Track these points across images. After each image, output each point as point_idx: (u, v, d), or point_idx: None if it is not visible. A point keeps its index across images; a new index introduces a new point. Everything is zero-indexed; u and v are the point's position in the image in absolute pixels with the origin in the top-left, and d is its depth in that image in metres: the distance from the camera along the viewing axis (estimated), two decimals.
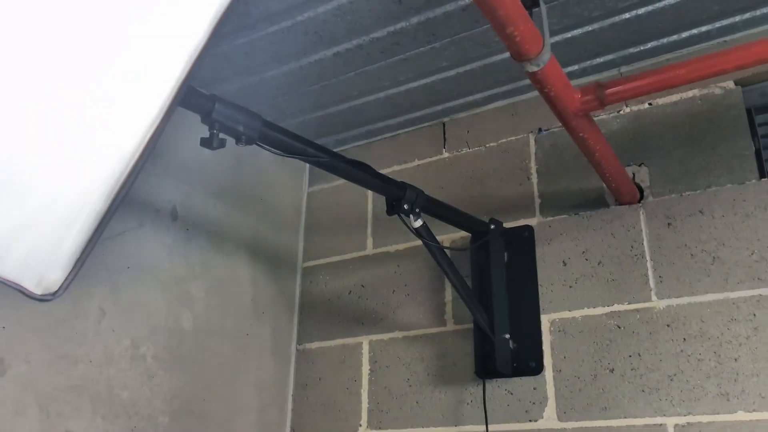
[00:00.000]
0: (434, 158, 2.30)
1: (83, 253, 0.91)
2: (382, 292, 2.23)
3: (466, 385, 1.98)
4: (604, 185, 1.83)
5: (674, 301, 1.75)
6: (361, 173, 1.63)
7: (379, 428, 2.07)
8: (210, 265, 2.07)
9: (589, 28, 1.85)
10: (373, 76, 2.06)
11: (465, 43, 1.91)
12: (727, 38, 1.87)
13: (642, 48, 1.93)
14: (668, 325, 1.74)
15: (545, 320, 1.91)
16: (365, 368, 2.17)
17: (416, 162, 2.33)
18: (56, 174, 0.89)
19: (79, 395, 1.64)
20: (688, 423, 1.65)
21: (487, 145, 2.20)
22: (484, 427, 1.86)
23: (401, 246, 2.23)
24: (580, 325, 1.85)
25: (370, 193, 2.33)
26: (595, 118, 1.96)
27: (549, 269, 1.95)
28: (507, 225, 2.05)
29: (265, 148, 1.44)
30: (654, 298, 1.78)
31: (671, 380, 1.69)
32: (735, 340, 1.65)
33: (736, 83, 1.85)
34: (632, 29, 1.85)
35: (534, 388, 1.87)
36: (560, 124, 1.51)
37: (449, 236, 2.16)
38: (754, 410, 1.59)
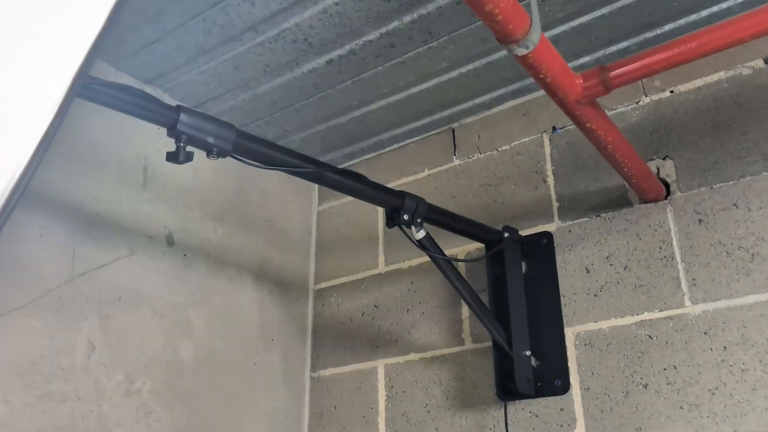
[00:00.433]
0: (445, 166, 2.16)
1: None
2: (396, 311, 2.09)
3: (487, 409, 1.82)
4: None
5: (711, 306, 1.57)
6: (354, 183, 1.51)
7: None
8: (211, 291, 1.97)
9: (597, 13, 1.70)
10: (371, 83, 1.95)
11: (464, 40, 1.78)
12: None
13: (659, 31, 1.77)
14: (705, 333, 1.56)
15: (569, 333, 1.74)
16: (381, 394, 2.03)
17: (426, 172, 2.20)
18: None
19: None
20: None
21: (500, 149, 2.05)
22: None
23: (414, 262, 2.10)
24: (608, 338, 1.68)
25: (381, 207, 2.21)
26: (612, 111, 1.82)
27: (571, 278, 1.79)
28: (524, 232, 1.90)
29: (241, 161, 1.33)
30: (688, 303, 1.60)
31: (713, 394, 1.51)
32: None
33: (765, 61, 1.68)
34: (646, 11, 1.70)
35: (561, 409, 1.70)
36: None
37: (464, 248, 2.02)
38: None
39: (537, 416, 1.73)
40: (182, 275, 1.90)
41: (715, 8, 1.69)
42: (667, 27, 1.75)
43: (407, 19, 1.70)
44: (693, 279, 1.61)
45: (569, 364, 1.71)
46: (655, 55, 1.23)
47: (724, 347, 1.52)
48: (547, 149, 1.95)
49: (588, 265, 1.77)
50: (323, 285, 2.30)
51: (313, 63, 1.86)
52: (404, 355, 2.02)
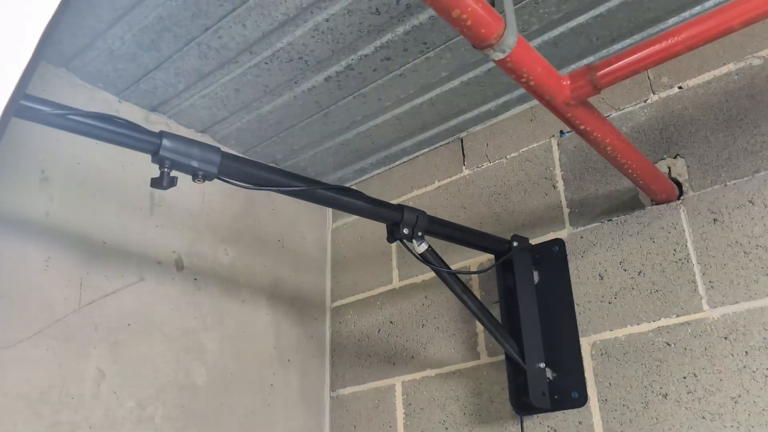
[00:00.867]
0: (454, 177, 2.12)
1: None
2: (411, 327, 2.06)
3: (505, 424, 1.76)
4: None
5: (730, 309, 1.49)
6: (349, 200, 1.49)
7: None
8: (223, 314, 1.97)
9: (594, 12, 1.65)
10: (373, 97, 1.94)
11: (461, 48, 1.75)
12: None
13: (662, 26, 1.70)
14: (725, 338, 1.48)
15: (585, 344, 1.68)
16: (399, 412, 1.99)
17: (436, 183, 2.16)
18: None
19: None
20: None
21: (508, 156, 2.01)
22: None
23: (427, 276, 2.06)
24: (625, 346, 1.61)
25: None
26: (620, 111, 1.77)
27: (584, 285, 1.73)
28: (535, 240, 1.85)
29: (228, 182, 1.32)
30: (706, 307, 1.52)
31: (736, 402, 1.43)
32: None
33: None
34: (646, 6, 1.64)
35: (579, 422, 1.63)
36: None
37: (476, 260, 1.97)
38: None
39: (555, 430, 1.66)
40: (193, 299, 1.90)
41: None
42: (671, 21, 1.69)
43: (400, 30, 1.68)
44: (710, 282, 1.53)
45: (586, 376, 1.65)
46: (644, 50, 1.18)
47: (746, 352, 1.44)
48: (556, 154, 1.90)
49: (601, 272, 1.71)
50: (340, 303, 2.28)
51: (312, 81, 1.86)
52: (421, 371, 1.98)
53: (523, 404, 1.69)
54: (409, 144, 2.20)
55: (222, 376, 1.90)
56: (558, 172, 1.88)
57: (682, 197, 1.63)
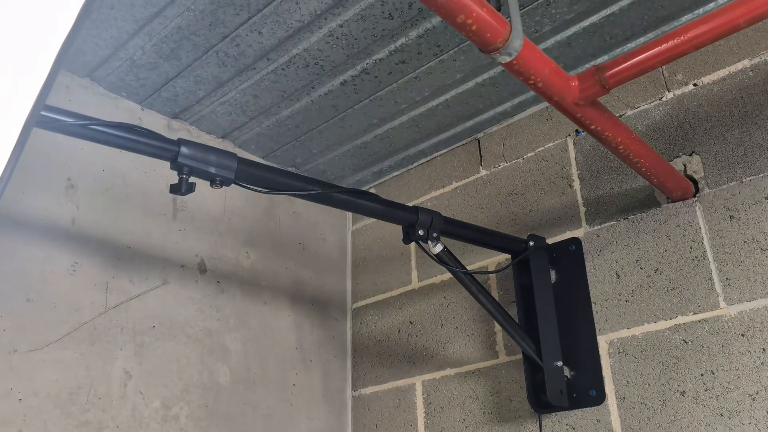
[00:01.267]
0: (472, 178, 2.14)
1: None
2: (431, 327, 2.08)
3: (523, 422, 1.77)
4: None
5: (747, 306, 1.48)
6: (364, 202, 1.52)
7: None
8: (246, 315, 2.01)
9: (607, 11, 1.66)
10: (389, 100, 1.96)
11: (474, 50, 1.77)
12: None
13: (676, 23, 1.70)
14: (743, 335, 1.47)
15: (602, 342, 1.68)
16: (420, 411, 2.01)
17: (454, 184, 2.18)
18: None
19: None
20: None
21: (525, 156, 2.02)
22: None
23: (446, 276, 2.08)
24: (642, 344, 1.62)
25: None
26: (635, 109, 1.77)
27: (602, 284, 1.73)
28: (553, 239, 1.85)
29: (245, 187, 1.36)
30: (722, 304, 1.52)
31: (753, 400, 1.42)
32: None
33: None
34: (659, 3, 1.64)
35: (597, 420, 1.64)
36: None
37: (493, 259, 1.99)
38: None
39: (574, 428, 1.67)
40: (216, 301, 1.95)
41: None
42: (684, 18, 1.68)
43: (413, 34, 1.70)
44: (727, 279, 1.53)
45: (604, 374, 1.66)
46: (651, 49, 1.19)
47: (764, 349, 1.44)
48: (572, 153, 1.91)
49: (618, 270, 1.71)
50: (360, 303, 2.31)
51: (328, 85, 1.89)
52: (440, 370, 2.00)
53: (541, 402, 1.70)
54: (426, 146, 2.22)
55: (245, 376, 1.94)
56: (574, 171, 1.89)
57: (697, 195, 1.63)
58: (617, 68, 1.21)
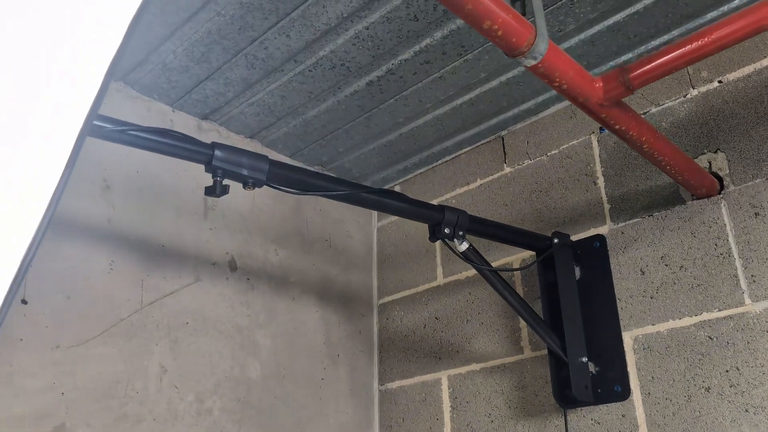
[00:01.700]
0: (496, 175, 2.16)
1: None
2: (456, 322, 2.11)
3: (549, 417, 1.80)
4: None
5: None
6: (392, 202, 1.55)
7: None
8: (275, 311, 2.06)
9: (631, 9, 1.67)
10: (414, 99, 1.99)
11: (498, 49, 1.78)
12: None
13: (701, 20, 1.71)
14: None
15: (627, 338, 1.70)
16: (446, 405, 2.04)
17: (478, 182, 2.21)
18: None
19: None
20: None
21: (549, 154, 2.04)
22: None
23: (471, 272, 2.11)
24: (667, 340, 1.63)
25: None
26: (660, 106, 1.78)
27: (626, 280, 1.75)
28: (577, 236, 1.87)
29: (277, 189, 1.40)
30: (748, 301, 1.53)
31: None
32: None
33: None
34: (683, 1, 1.65)
35: (622, 416, 1.66)
36: None
37: (518, 256, 2.01)
38: None
39: (599, 423, 1.69)
40: (246, 298, 2.00)
41: None
42: (709, 15, 1.69)
43: (438, 35, 1.73)
44: (752, 276, 1.54)
45: (629, 369, 1.68)
46: (675, 51, 1.20)
47: None
48: (596, 150, 1.92)
49: (643, 267, 1.73)
50: (386, 299, 2.35)
51: (354, 86, 1.92)
52: (466, 365, 2.03)
53: (567, 398, 1.72)
54: (450, 143, 2.25)
55: (275, 371, 1.99)
56: (598, 168, 1.90)
57: (723, 192, 1.64)
58: (641, 69, 1.23)
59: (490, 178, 2.17)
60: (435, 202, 2.26)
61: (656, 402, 1.61)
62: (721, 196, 1.64)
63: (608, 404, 1.69)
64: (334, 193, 1.46)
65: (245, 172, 1.34)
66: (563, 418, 1.75)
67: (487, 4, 1.04)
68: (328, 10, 1.64)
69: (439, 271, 2.21)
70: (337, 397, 2.13)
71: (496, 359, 1.97)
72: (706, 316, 1.59)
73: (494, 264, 2.03)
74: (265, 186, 1.37)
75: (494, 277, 1.68)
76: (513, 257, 2.03)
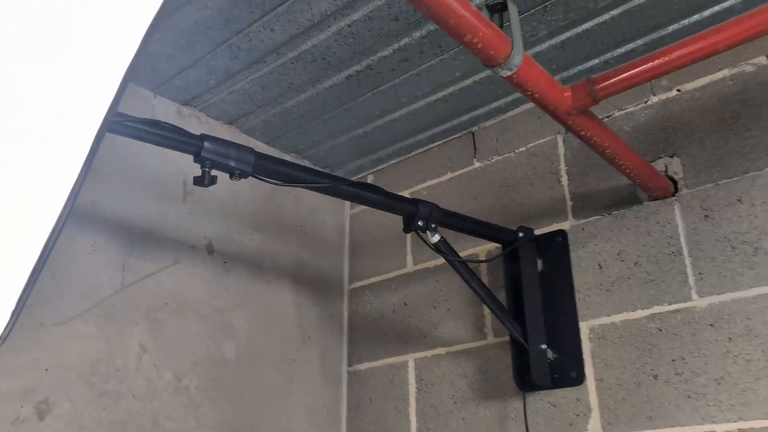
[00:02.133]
0: (466, 169, 2.26)
1: (20, 299, 0.95)
2: (424, 308, 2.21)
3: (509, 399, 1.92)
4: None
5: (716, 299, 1.63)
6: (369, 194, 1.64)
7: None
8: (250, 294, 2.13)
9: (600, 19, 1.77)
10: (390, 94, 2.07)
11: None
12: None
13: (663, 32, 1.81)
14: (712, 325, 1.62)
15: (584, 327, 1.82)
16: (412, 387, 2.15)
17: (449, 175, 2.30)
18: None
19: (124, 429, 1.72)
20: (739, 429, 1.52)
21: (517, 151, 2.14)
22: None
23: (439, 261, 2.21)
24: (621, 331, 1.76)
25: None
26: (622, 111, 1.89)
27: (585, 274, 1.87)
28: (540, 230, 1.99)
29: (261, 180, 1.47)
30: (695, 296, 1.66)
31: (718, 384, 1.57)
32: None
33: None
34: (648, 13, 1.75)
35: (577, 399, 1.79)
36: None
37: (484, 247, 2.12)
38: None
39: (555, 406, 1.82)
40: (223, 281, 2.07)
41: (717, 8, 1.73)
42: (671, 28, 1.80)
43: (417, 35, 1.81)
44: (700, 273, 1.67)
45: (584, 357, 1.80)
46: (638, 67, 1.31)
47: (729, 338, 1.58)
48: (561, 150, 2.03)
49: (600, 261, 1.85)
50: (357, 285, 2.44)
51: (334, 79, 1.99)
52: (432, 349, 2.14)
53: (526, 382, 1.84)
54: (423, 137, 2.33)
55: (250, 351, 2.07)
56: (563, 167, 2.01)
57: (676, 194, 1.76)
58: (607, 82, 1.33)
59: (460, 171, 2.27)
60: (407, 192, 2.35)
61: (608, 387, 1.74)
62: (675, 198, 1.76)
63: (564, 388, 1.81)
64: (317, 185, 1.54)
65: (232, 163, 1.41)
66: (522, 400, 1.87)
67: (469, 18, 1.12)
68: (313, 7, 1.70)
69: (409, 259, 2.31)
70: (307, 379, 2.22)
71: (461, 344, 2.08)
72: (656, 309, 1.71)
73: (461, 254, 2.13)
74: (241, 179, 1.44)
75: (462, 268, 1.78)
76: (479, 248, 2.13)
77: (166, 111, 2.07)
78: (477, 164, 2.23)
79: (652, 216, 1.79)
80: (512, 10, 1.25)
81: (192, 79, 1.99)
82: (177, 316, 1.92)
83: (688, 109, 1.81)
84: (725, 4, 1.72)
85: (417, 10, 1.69)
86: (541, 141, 2.08)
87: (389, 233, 2.40)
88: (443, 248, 1.72)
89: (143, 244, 1.89)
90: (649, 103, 1.88)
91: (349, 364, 2.35)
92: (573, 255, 1.90)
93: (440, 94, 2.09)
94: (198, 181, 1.39)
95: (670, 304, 1.70)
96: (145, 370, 1.81)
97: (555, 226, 1.97)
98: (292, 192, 2.39)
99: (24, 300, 1.00)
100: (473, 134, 2.28)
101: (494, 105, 2.15)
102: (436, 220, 1.70)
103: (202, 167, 1.39)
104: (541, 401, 1.85)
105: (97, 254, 1.78)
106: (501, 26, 1.24)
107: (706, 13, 1.75)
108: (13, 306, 0.97)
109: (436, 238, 1.71)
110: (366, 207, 2.49)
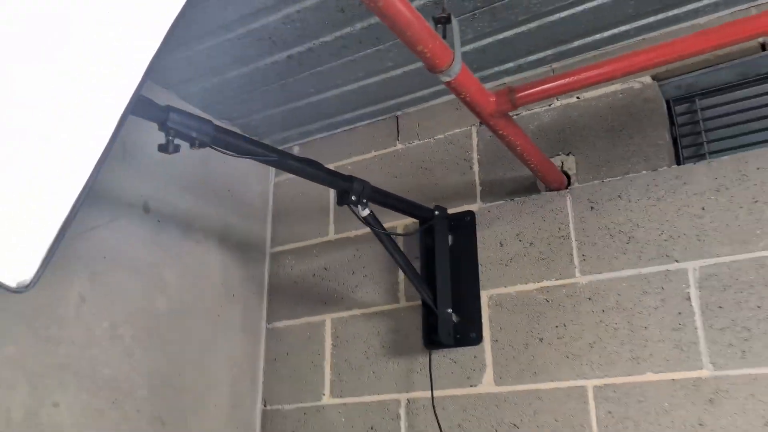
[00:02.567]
0: (389, 149, 2.48)
1: (51, 248, 1.10)
2: (343, 274, 2.43)
3: (416, 356, 2.19)
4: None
5: (595, 277, 1.95)
6: (310, 169, 1.82)
7: (341, 396, 2.29)
8: (182, 252, 2.27)
9: (518, 30, 2.03)
10: (327, 75, 2.25)
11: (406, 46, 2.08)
12: (645, 36, 2.06)
13: (570, 46, 2.11)
14: (589, 299, 1.94)
15: (484, 296, 2.11)
16: (328, 343, 2.38)
17: (373, 153, 2.52)
18: (25, 175, 1.05)
19: (64, 372, 1.84)
20: (605, 384, 1.86)
21: (435, 138, 2.39)
22: (430, 392, 2.07)
23: (359, 232, 2.43)
24: (514, 300, 2.06)
25: None
26: (529, 111, 2.17)
27: (488, 250, 2.15)
28: (452, 210, 2.25)
29: (218, 150, 1.62)
30: (578, 274, 1.98)
31: (591, 347, 1.90)
32: (645, 311, 1.86)
33: (653, 78, 2.04)
34: (558, 30, 2.03)
35: (474, 357, 2.08)
36: None
37: (402, 221, 2.36)
38: (660, 371, 1.80)
39: (455, 362, 2.10)
40: (157, 238, 2.19)
41: (615, 30, 2.04)
42: (576, 43, 2.09)
43: (358, 26, 1.99)
44: (583, 255, 1.99)
45: (483, 321, 2.09)
46: (552, 82, 1.57)
47: (603, 310, 1.92)
48: (474, 141, 2.29)
49: (502, 240, 2.14)
50: (278, 249, 2.62)
51: (276, 57, 2.14)
52: (348, 310, 2.37)
53: (432, 341, 2.11)
54: (351, 116, 2.53)
55: (180, 306, 2.21)
56: (475, 155, 2.28)
57: (569, 187, 2.07)
58: (525, 92, 1.59)
59: (384, 151, 2.49)
60: (332, 166, 2.54)
61: (501, 347, 2.04)
62: (568, 190, 2.07)
63: (464, 347, 2.10)
64: (266, 158, 1.71)
65: (194, 134, 1.55)
66: (428, 357, 2.14)
67: (423, 32, 1.33)
68: None
69: (332, 228, 2.51)
70: (230, 333, 2.39)
71: (376, 306, 2.32)
72: (546, 283, 2.02)
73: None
74: (200, 149, 1.59)
75: (386, 239, 2.01)
76: (397, 222, 2.36)
77: None
78: (399, 146, 2.46)
79: (547, 204, 2.09)
80: (455, 24, 1.46)
81: None
82: (114, 269, 2.03)
83: (585, 114, 2.11)
84: (622, 28, 2.03)
85: (363, 5, 1.89)
86: (458, 131, 2.34)
87: (313, 202, 2.59)
88: (371, 221, 1.94)
89: (87, 198, 1.97)
90: (552, 106, 2.18)
91: (269, 322, 2.54)
92: (479, 233, 2.18)
93: (371, 80, 2.29)
94: (163, 148, 1.52)
95: (557, 279, 2.01)
96: (84, 318, 1.92)
97: (465, 207, 2.24)
98: (223, 158, 2.50)
99: (53, 251, 1.14)
100: (397, 118, 2.50)
101: (418, 94, 2.38)
102: (367, 196, 1.91)
103: (166, 136, 1.52)
104: (443, 358, 2.13)
105: None
106: (444, 36, 1.46)
107: (607, 33, 2.05)
108: (44, 254, 1.12)
109: (366, 212, 1.92)
110: (290, 176, 2.67)
